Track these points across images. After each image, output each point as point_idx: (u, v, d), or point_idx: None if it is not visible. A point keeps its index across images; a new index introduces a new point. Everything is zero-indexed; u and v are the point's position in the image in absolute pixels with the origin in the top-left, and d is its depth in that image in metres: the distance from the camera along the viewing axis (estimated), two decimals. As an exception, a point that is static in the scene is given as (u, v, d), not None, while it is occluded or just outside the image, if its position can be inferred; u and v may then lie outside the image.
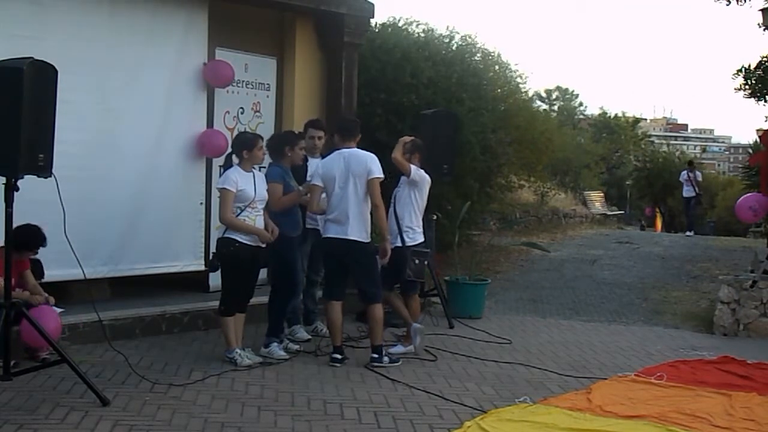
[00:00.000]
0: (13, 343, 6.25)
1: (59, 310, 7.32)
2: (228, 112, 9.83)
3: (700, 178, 22.83)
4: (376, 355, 7.59)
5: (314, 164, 8.49)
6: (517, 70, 15.88)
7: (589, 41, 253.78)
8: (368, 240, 7.62)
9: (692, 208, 22.61)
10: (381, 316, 7.69)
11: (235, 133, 9.33)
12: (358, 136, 7.88)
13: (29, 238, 6.99)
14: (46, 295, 7.17)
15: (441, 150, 9.95)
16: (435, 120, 10.18)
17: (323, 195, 7.70)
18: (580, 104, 69.77)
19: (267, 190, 7.60)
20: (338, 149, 7.79)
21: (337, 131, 7.99)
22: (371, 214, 7.64)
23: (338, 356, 7.59)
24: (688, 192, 22.26)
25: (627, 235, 19.67)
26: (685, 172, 22.58)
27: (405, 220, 8.28)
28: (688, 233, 20.96)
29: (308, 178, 8.39)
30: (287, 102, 10.52)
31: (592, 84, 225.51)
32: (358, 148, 7.75)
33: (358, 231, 7.50)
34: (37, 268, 7.39)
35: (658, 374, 7.47)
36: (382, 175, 7.60)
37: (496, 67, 15.01)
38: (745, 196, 11.86)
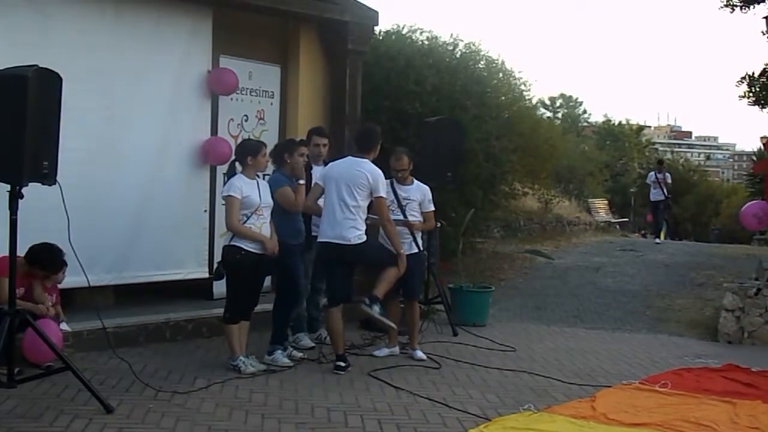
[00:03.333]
0: (17, 350, 6.26)
1: (67, 329, 7.34)
2: (232, 119, 9.84)
3: (669, 180, 21.02)
4: (342, 364, 7.59)
5: (318, 171, 8.52)
6: (521, 78, 15.84)
7: (593, 49, 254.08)
8: (362, 240, 7.56)
9: (662, 213, 21.31)
10: (393, 276, 7.70)
11: (239, 140, 9.33)
12: (375, 146, 7.80)
13: (46, 261, 7.04)
14: (49, 305, 7.16)
15: (445, 157, 9.98)
16: (439, 127, 10.20)
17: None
18: (584, 112, 70.00)
19: (276, 196, 7.65)
20: (349, 155, 7.85)
21: (354, 141, 8.03)
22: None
23: (342, 364, 7.59)
24: (656, 195, 20.63)
25: (631, 243, 19.63)
26: (653, 173, 21.00)
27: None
28: (656, 240, 19.97)
29: (313, 185, 8.43)
30: (291, 109, 10.53)
31: (596, 91, 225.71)
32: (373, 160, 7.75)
33: (352, 234, 7.47)
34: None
35: (663, 382, 7.46)
36: (384, 195, 7.64)
37: (500, 75, 14.98)
38: (750, 203, 11.85)
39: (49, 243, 7.04)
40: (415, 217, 8.35)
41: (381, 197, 7.58)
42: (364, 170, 7.55)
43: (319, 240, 7.73)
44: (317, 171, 8.54)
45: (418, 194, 8.45)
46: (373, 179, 7.53)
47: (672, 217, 24.79)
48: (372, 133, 7.96)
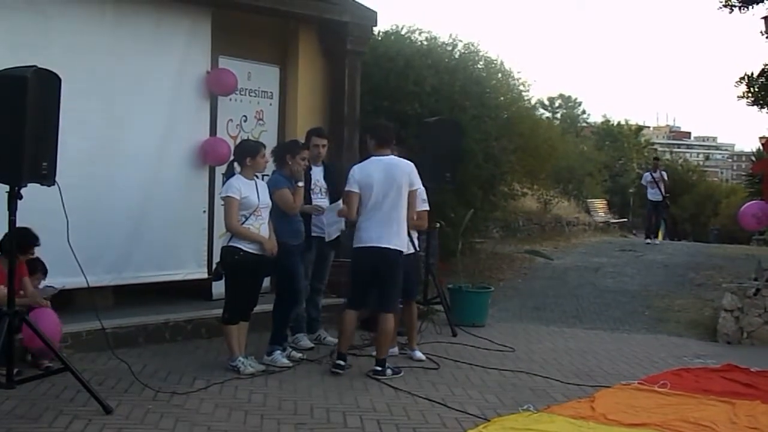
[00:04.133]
0: (17, 351, 6.26)
1: (56, 288, 7.34)
2: (231, 120, 9.84)
3: (666, 177, 20.13)
4: (379, 368, 7.51)
5: (317, 172, 8.52)
6: (520, 78, 15.86)
7: (592, 49, 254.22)
8: (404, 250, 7.57)
9: (661, 213, 20.53)
10: (392, 329, 7.61)
11: (238, 141, 9.33)
12: (393, 140, 7.83)
13: (20, 240, 6.98)
14: (43, 300, 7.16)
15: (444, 158, 9.98)
16: (438, 128, 10.20)
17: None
18: (583, 112, 69.85)
19: (275, 198, 7.63)
20: (374, 155, 7.69)
21: (373, 137, 7.83)
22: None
23: (341, 363, 7.58)
24: (654, 195, 19.74)
25: (630, 243, 19.63)
26: (648, 173, 20.16)
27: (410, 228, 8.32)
28: (656, 242, 19.43)
29: (312, 186, 8.42)
30: (290, 110, 10.52)
31: (595, 92, 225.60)
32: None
33: (397, 239, 7.46)
34: (39, 265, 7.39)
35: (662, 382, 7.46)
36: (422, 186, 7.74)
37: (499, 75, 14.98)
38: (748, 203, 11.84)
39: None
40: None
41: (416, 190, 7.62)
42: (401, 166, 7.54)
43: (359, 246, 7.53)
44: (316, 172, 8.54)
45: None
46: (411, 171, 7.55)
47: (671, 217, 24.73)
48: (389, 126, 8.01)
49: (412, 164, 7.65)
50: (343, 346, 7.67)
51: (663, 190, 19.77)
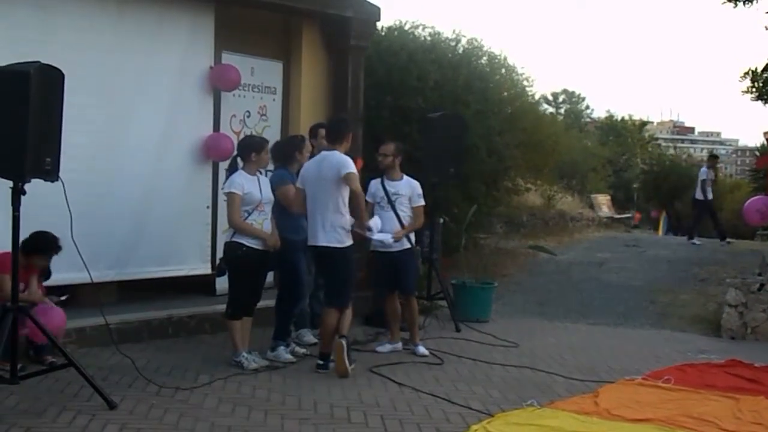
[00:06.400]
0: (20, 346, 6.27)
1: (62, 297, 7.37)
2: (234, 115, 9.84)
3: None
4: (321, 362, 7.46)
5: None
6: (524, 74, 15.78)
7: (596, 44, 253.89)
8: (340, 245, 7.36)
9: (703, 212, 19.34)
10: (332, 324, 7.44)
11: (242, 136, 9.33)
12: (346, 136, 7.60)
13: (42, 243, 7.01)
14: (45, 299, 7.17)
15: (447, 153, 9.98)
16: (441, 123, 10.19)
17: None
18: (587, 107, 70.01)
19: (278, 194, 7.64)
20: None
21: (325, 133, 7.92)
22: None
23: (321, 362, 7.50)
24: (710, 193, 18.91)
25: (634, 239, 19.59)
26: (705, 169, 18.97)
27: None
28: (729, 240, 18.22)
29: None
30: (293, 105, 10.51)
31: (598, 87, 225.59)
32: (349, 149, 7.67)
33: (325, 237, 7.34)
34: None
35: (666, 377, 7.46)
36: (352, 170, 7.32)
37: (503, 71, 14.92)
38: (753, 198, 11.85)
39: (41, 231, 7.01)
40: (404, 212, 8.30)
41: (349, 172, 7.27)
42: (330, 160, 7.38)
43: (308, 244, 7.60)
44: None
45: (407, 189, 8.39)
46: (338, 164, 7.32)
47: (675, 213, 24.72)
48: (339, 123, 7.84)
49: (345, 158, 7.37)
50: (326, 344, 7.55)
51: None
